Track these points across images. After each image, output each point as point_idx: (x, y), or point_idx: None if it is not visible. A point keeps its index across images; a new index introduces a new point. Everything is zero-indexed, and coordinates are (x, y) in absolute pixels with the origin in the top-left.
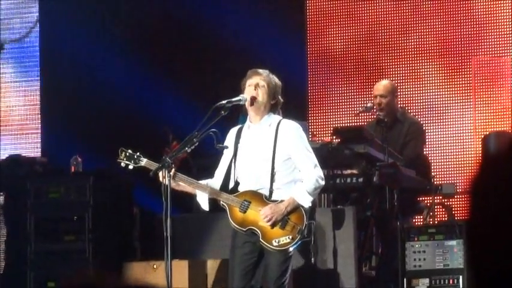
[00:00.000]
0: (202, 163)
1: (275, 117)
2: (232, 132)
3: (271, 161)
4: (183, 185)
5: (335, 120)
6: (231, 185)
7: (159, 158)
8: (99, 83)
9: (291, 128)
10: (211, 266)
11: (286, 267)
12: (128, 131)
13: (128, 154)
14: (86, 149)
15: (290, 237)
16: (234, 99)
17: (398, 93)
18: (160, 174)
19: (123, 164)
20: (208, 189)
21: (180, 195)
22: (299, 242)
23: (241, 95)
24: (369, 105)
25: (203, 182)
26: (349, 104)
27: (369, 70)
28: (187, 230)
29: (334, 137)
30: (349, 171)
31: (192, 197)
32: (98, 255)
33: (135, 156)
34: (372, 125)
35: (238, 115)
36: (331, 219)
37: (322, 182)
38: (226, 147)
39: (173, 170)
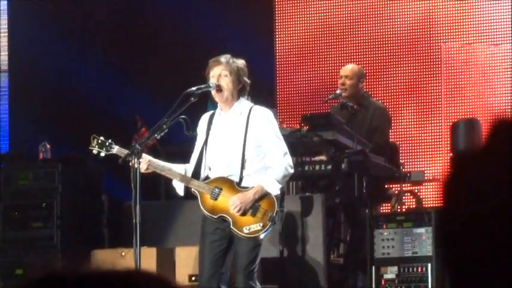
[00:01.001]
0: (171, 150)
1: (246, 104)
2: (204, 118)
3: (241, 148)
4: (158, 171)
5: (303, 108)
6: (204, 171)
7: (128, 145)
8: (69, 70)
9: (262, 115)
10: (179, 253)
11: (256, 254)
12: (97, 118)
13: (99, 141)
14: (54, 136)
15: (261, 224)
16: (203, 86)
17: (367, 80)
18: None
19: (95, 151)
20: (179, 176)
21: (148, 183)
22: (270, 229)
23: (210, 82)
24: (338, 92)
25: (180, 166)
26: (317, 91)
27: (337, 57)
28: (155, 218)
29: (302, 124)
30: (317, 158)
31: (160, 184)
32: (66, 243)
33: (107, 144)
34: (337, 109)
35: (207, 101)
36: (300, 207)
37: (291, 170)
38: (196, 134)
39: (148, 158)
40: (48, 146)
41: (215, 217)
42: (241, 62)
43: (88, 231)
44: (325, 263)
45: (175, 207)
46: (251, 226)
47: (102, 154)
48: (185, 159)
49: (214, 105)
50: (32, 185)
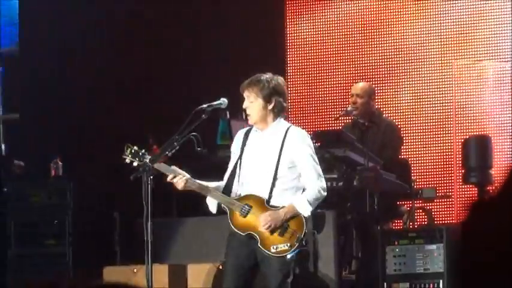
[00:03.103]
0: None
1: (283, 124)
2: (239, 135)
3: (275, 166)
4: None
5: (315, 124)
6: (236, 188)
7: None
8: (80, 87)
9: (299, 136)
10: (191, 270)
11: (284, 275)
12: (108, 135)
13: (133, 151)
14: (66, 153)
15: (288, 244)
16: (214, 103)
17: (378, 97)
18: (172, 177)
19: (128, 160)
20: (211, 193)
21: (160, 200)
22: (297, 250)
23: (222, 99)
24: (349, 109)
25: (214, 184)
26: (329, 108)
27: (348, 74)
28: (167, 234)
29: (314, 141)
30: (329, 175)
31: (172, 201)
32: (78, 260)
33: (140, 154)
34: (348, 127)
35: (218, 119)
36: (312, 223)
37: (324, 193)
38: (206, 151)
39: (186, 176)
40: (59, 162)
41: (243, 234)
42: (275, 82)
43: (100, 248)
44: (337, 279)
45: (187, 224)
46: (278, 245)
47: (135, 163)
48: (198, 176)
49: (226, 122)
50: (44, 202)
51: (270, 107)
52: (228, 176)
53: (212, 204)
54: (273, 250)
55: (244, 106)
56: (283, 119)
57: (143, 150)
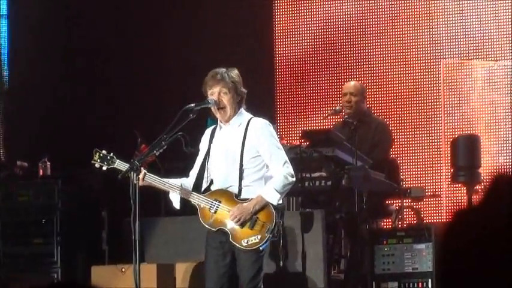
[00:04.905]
0: (170, 166)
1: (245, 116)
2: (207, 132)
3: (239, 159)
4: (155, 184)
5: (303, 123)
6: (205, 184)
7: (129, 161)
8: (67, 86)
9: (260, 125)
10: (180, 269)
11: (258, 268)
12: (97, 134)
13: (101, 155)
14: (53, 152)
15: (259, 236)
16: (202, 102)
17: (367, 96)
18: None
19: (97, 165)
20: (179, 189)
21: (148, 199)
22: (268, 242)
23: (209, 98)
24: (337, 108)
25: (177, 180)
26: (317, 107)
27: (337, 72)
28: (155, 233)
29: (302, 140)
30: (317, 174)
31: (160, 200)
32: (66, 259)
33: (108, 157)
34: (339, 126)
35: (206, 118)
36: (300, 223)
37: (292, 179)
38: (194, 150)
39: (143, 171)
40: (48, 162)
41: (214, 230)
42: (235, 74)
43: (88, 248)
44: (326, 279)
45: (176, 223)
46: (249, 239)
47: (104, 168)
48: (184, 176)
49: (214, 121)
50: (32, 202)
51: (238, 99)
52: (196, 172)
53: (175, 200)
54: (244, 244)
55: (218, 99)
56: (244, 109)
57: (111, 154)
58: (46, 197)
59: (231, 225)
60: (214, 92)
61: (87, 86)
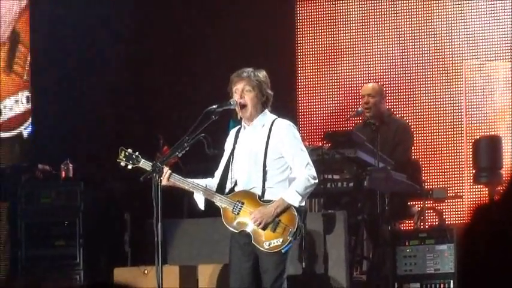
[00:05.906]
0: (192, 167)
1: (269, 116)
2: (232, 133)
3: (263, 160)
4: (179, 184)
5: (325, 125)
6: (229, 185)
7: (152, 162)
8: (91, 89)
9: (284, 126)
10: (202, 271)
11: (281, 271)
12: (119, 136)
13: (127, 154)
14: (76, 154)
15: (281, 239)
16: (224, 104)
17: (388, 97)
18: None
19: (122, 164)
20: (202, 190)
21: (170, 201)
22: (291, 245)
23: (232, 99)
24: (359, 109)
25: (202, 181)
26: (339, 109)
27: (359, 74)
28: (178, 235)
29: (324, 142)
30: (339, 176)
31: (182, 202)
32: (89, 261)
33: (134, 156)
34: (360, 127)
35: (228, 119)
36: (322, 224)
37: (314, 181)
38: (216, 151)
39: (169, 171)
40: (70, 164)
41: (237, 232)
42: (263, 75)
43: (110, 250)
44: (348, 280)
45: (198, 224)
46: (271, 241)
47: (129, 167)
48: (207, 177)
49: (236, 123)
50: (55, 204)
51: (263, 99)
52: (220, 173)
53: (200, 201)
54: (266, 246)
55: (241, 96)
56: (268, 111)
57: (136, 153)
58: (68, 199)
59: (253, 227)
60: (238, 89)
61: (108, 89)
